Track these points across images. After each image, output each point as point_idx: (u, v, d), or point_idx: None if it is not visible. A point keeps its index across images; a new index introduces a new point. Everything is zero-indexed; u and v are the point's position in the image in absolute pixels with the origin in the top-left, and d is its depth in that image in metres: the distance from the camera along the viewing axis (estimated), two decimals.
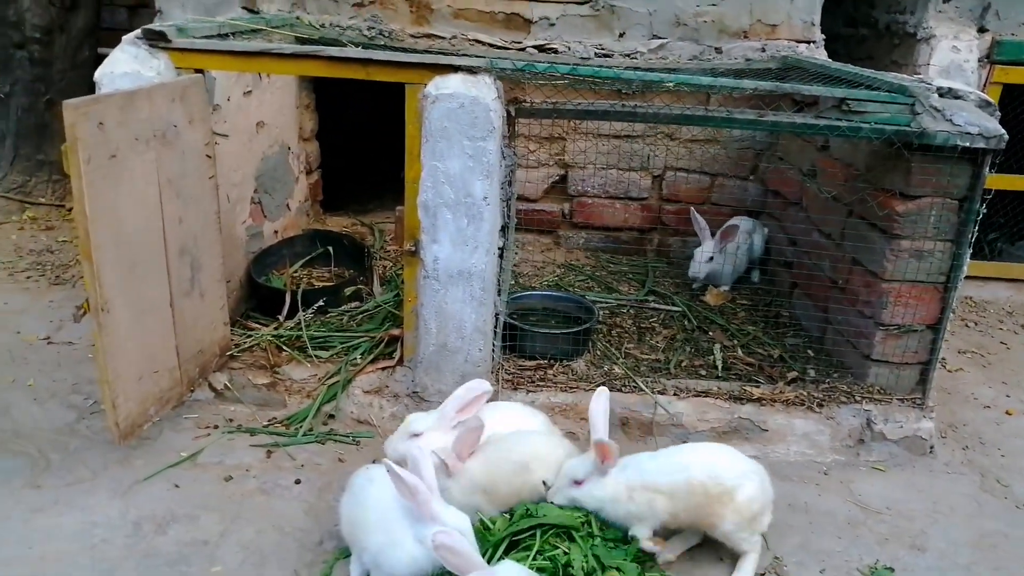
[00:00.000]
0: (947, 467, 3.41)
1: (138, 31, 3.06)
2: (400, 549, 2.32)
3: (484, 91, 2.97)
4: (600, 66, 3.16)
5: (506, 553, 2.51)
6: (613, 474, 2.62)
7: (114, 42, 5.74)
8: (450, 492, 2.62)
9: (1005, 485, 3.32)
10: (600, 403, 2.69)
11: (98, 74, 3.01)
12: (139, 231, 2.82)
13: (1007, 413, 3.87)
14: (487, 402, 2.88)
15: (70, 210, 5.78)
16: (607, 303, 4.33)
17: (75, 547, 2.68)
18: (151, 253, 2.92)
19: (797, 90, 2.99)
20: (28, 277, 4.74)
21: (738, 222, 4.33)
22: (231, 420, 3.41)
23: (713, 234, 4.31)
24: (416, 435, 2.73)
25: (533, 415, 3.04)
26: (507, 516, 2.66)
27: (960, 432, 3.68)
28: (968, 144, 2.95)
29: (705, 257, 4.28)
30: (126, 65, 2.97)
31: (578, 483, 2.64)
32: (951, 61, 4.49)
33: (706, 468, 2.60)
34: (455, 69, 3.01)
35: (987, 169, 3.02)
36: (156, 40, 2.97)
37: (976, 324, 4.83)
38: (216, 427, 3.39)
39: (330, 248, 4.37)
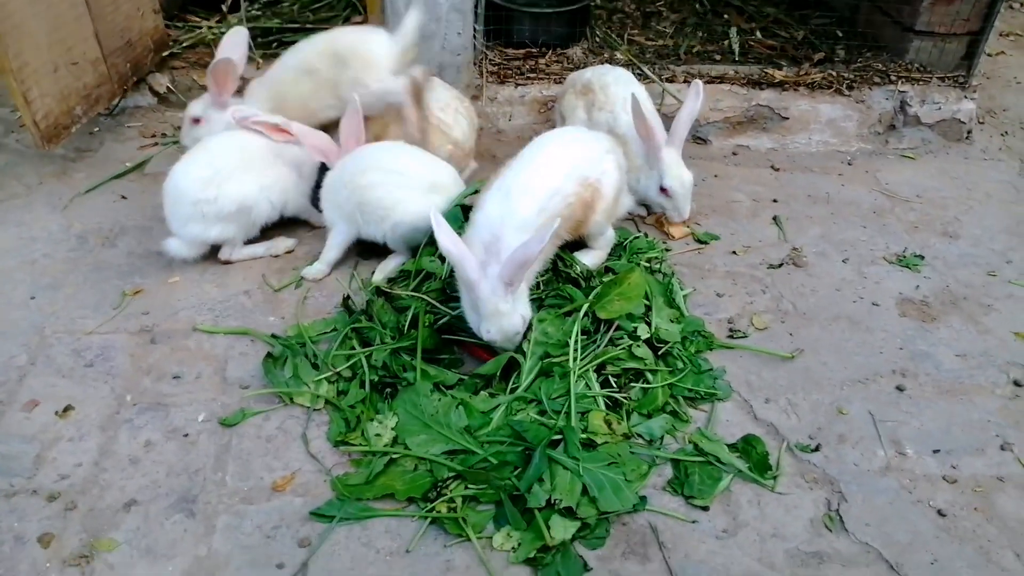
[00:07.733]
0: (984, 153, 3.08)
1: None
2: (409, 202, 2.25)
3: None
4: None
5: None
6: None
7: None
8: None
9: None
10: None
11: None
12: None
13: None
14: None
15: None
16: None
17: (12, 263, 2.38)
18: None
19: None
20: None
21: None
22: (178, 128, 2.98)
23: None
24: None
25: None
26: None
27: (1000, 118, 3.31)
28: None
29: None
30: None
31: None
32: None
33: None
34: None
35: None
36: None
37: (1021, 5, 4.28)
38: (164, 135, 3.04)
39: None
